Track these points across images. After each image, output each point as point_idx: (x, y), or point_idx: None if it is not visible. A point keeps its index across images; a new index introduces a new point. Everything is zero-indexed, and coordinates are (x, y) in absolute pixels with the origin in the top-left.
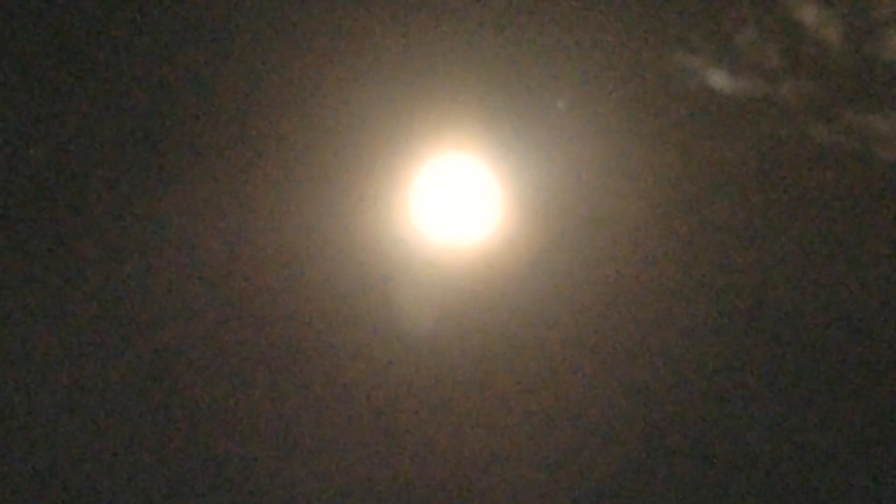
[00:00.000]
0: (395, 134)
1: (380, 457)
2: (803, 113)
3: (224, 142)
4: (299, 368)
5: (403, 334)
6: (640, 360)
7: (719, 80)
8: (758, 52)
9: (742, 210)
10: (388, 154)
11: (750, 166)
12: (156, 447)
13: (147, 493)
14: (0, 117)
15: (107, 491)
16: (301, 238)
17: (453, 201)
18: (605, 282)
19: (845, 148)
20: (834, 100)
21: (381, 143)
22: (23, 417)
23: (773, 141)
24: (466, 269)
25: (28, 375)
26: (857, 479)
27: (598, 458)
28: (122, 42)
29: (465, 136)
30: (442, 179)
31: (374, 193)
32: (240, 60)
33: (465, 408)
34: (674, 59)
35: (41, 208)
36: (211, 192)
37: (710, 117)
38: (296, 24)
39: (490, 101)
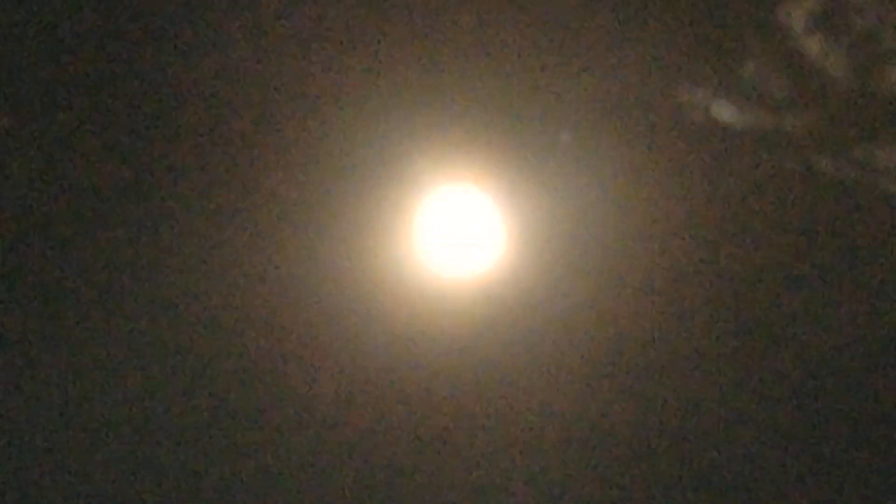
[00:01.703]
0: (400, 166)
1: (381, 483)
2: (808, 145)
3: (230, 171)
4: (303, 397)
5: (407, 365)
6: (645, 391)
7: (724, 112)
8: (763, 84)
9: (747, 242)
10: (392, 186)
11: (755, 198)
12: (169, 455)
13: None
14: (17, 135)
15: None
16: (306, 269)
17: (457, 234)
18: (610, 314)
19: (851, 180)
20: (839, 132)
21: (386, 175)
22: (36, 425)
23: (777, 173)
24: (471, 301)
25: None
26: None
27: (601, 484)
28: (146, 64)
29: (470, 168)
30: (446, 212)
31: (379, 225)
32: (249, 87)
33: (469, 438)
34: (678, 91)
35: (61, 223)
36: (215, 221)
37: (714, 149)
38: (303, 54)
39: (495, 133)
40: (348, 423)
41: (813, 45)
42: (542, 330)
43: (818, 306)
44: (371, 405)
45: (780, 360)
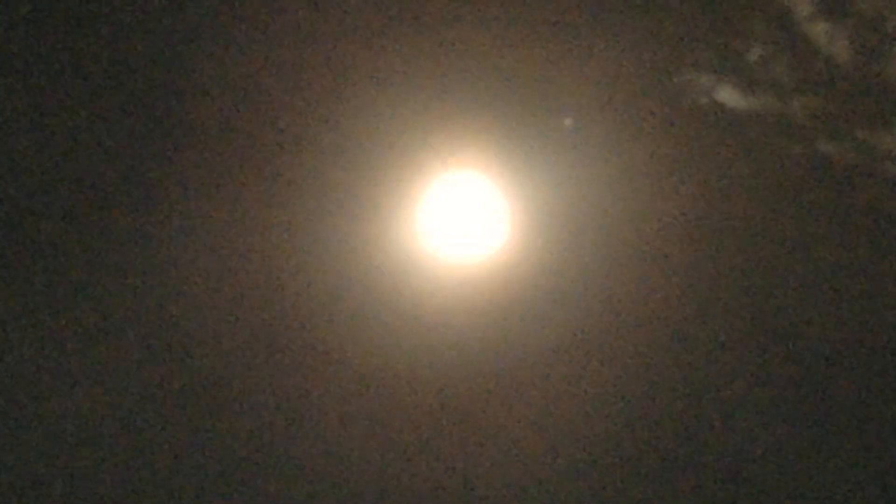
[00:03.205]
0: (404, 152)
1: (386, 467)
2: (812, 129)
3: (235, 158)
4: (308, 381)
5: (412, 348)
6: (648, 374)
7: (729, 96)
8: (767, 69)
9: (751, 224)
10: (397, 171)
11: (759, 182)
12: (165, 450)
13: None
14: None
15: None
16: (311, 253)
17: (462, 218)
18: (612, 297)
19: (854, 163)
20: (843, 116)
21: (391, 161)
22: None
23: (782, 157)
24: (474, 284)
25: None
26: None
27: (604, 471)
28: (143, 58)
29: (474, 153)
30: (450, 197)
31: (384, 210)
32: (253, 77)
33: (473, 419)
34: (683, 76)
35: (57, 219)
36: (221, 206)
37: (719, 133)
38: (309, 42)
39: (499, 118)
40: (351, 408)
41: (818, 30)
42: (546, 316)
43: (822, 289)
44: (375, 389)
45: (784, 342)
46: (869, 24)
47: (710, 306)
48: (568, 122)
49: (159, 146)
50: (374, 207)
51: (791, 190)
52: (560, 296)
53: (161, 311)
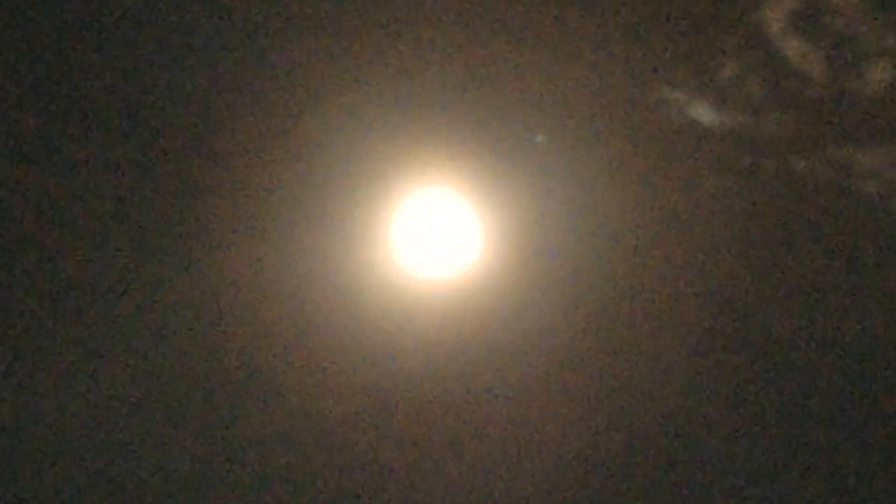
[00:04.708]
0: (375, 168)
1: (358, 480)
2: (786, 146)
3: (203, 174)
4: (283, 397)
5: (385, 363)
6: (622, 393)
7: (702, 113)
8: (740, 85)
9: (723, 242)
10: (367, 188)
11: (732, 199)
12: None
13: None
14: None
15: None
16: (286, 270)
17: (433, 236)
18: (584, 315)
19: (827, 181)
20: (816, 133)
21: (361, 178)
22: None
23: (755, 174)
24: (448, 302)
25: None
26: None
27: (578, 492)
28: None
29: (446, 169)
30: (422, 214)
31: (355, 227)
32: (231, 93)
33: (448, 438)
34: (656, 92)
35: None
36: (189, 222)
37: (692, 151)
38: (279, 58)
39: (471, 135)
40: (324, 424)
41: (790, 47)
42: (519, 330)
43: (794, 306)
44: (349, 404)
45: (757, 356)
46: (841, 41)
47: (681, 320)
48: (540, 137)
49: (128, 162)
50: (344, 224)
51: (763, 207)
52: (532, 311)
53: (134, 326)
